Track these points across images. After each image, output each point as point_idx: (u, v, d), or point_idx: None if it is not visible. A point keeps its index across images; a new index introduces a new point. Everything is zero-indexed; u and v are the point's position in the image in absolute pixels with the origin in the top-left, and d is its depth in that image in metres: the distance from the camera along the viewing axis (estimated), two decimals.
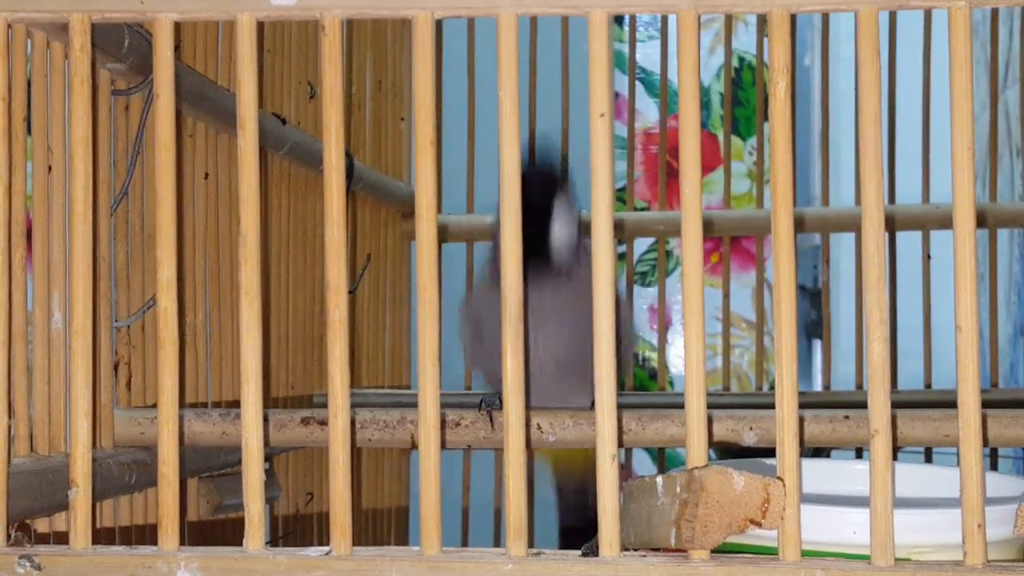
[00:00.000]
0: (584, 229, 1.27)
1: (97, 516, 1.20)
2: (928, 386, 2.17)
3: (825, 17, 2.32)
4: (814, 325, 3.37)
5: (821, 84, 2.32)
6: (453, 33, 2.23)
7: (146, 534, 1.25)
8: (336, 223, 0.87)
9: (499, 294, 0.87)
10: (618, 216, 2.07)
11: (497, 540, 2.20)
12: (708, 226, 2.20)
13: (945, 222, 2.15)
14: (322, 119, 0.89)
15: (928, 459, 2.15)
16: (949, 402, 1.97)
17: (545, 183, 1.28)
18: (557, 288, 1.29)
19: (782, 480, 0.84)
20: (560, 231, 1.28)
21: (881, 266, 0.85)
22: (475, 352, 1.36)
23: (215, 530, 1.41)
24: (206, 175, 1.41)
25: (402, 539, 2.10)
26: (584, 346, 1.23)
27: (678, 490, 0.85)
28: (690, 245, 0.86)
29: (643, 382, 3.31)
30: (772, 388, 3.19)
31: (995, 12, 2.28)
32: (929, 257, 2.19)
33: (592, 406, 1.22)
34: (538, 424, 1.20)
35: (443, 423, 1.20)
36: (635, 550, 0.89)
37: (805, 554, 0.85)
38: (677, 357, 3.20)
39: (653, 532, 0.88)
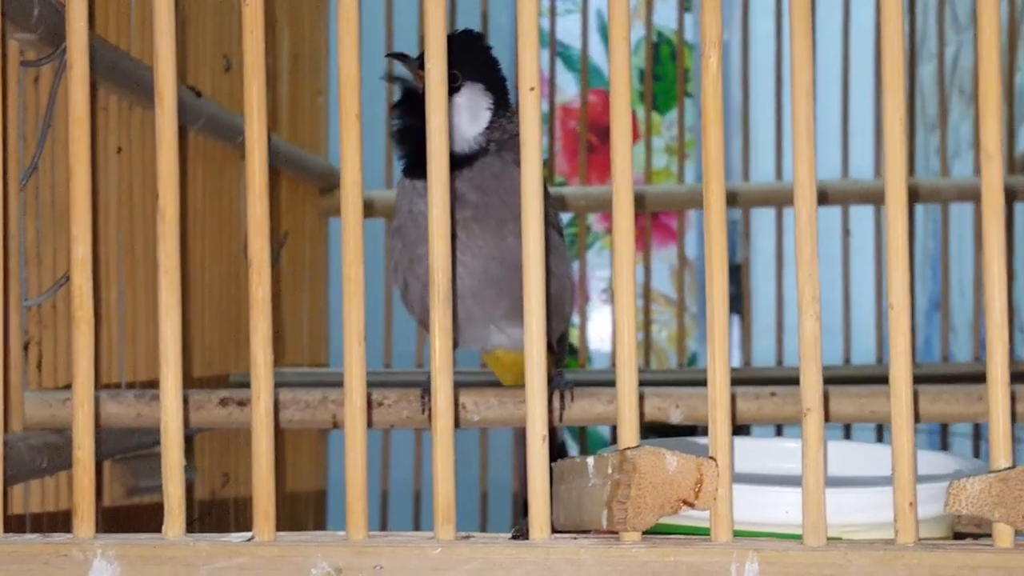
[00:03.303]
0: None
1: (8, 502, 1.16)
2: (847, 361, 2.18)
3: None
4: (733, 300, 3.38)
5: (741, 60, 2.32)
6: (370, 5, 2.20)
7: (59, 521, 1.22)
8: (259, 199, 0.85)
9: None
10: None
11: (417, 523, 2.18)
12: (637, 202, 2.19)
13: (864, 197, 2.18)
14: (238, 92, 0.86)
15: (847, 435, 2.16)
16: (868, 377, 1.97)
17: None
18: (489, 191, 1.20)
19: (715, 460, 0.83)
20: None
21: (814, 243, 0.84)
22: (405, 269, 1.25)
23: (129, 514, 1.38)
24: (119, 149, 1.37)
25: (320, 523, 2.07)
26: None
27: (610, 471, 0.83)
28: (621, 222, 0.84)
29: None
30: (691, 364, 3.20)
31: None
32: (848, 232, 2.20)
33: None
34: (463, 404, 1.18)
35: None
36: (564, 531, 0.88)
37: (737, 534, 0.84)
38: (595, 333, 3.19)
39: (584, 513, 0.86)
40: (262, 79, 0.86)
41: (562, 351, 1.32)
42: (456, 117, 1.20)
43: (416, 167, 1.20)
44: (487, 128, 1.22)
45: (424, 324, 1.26)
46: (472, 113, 1.21)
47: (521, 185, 0.84)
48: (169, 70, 0.86)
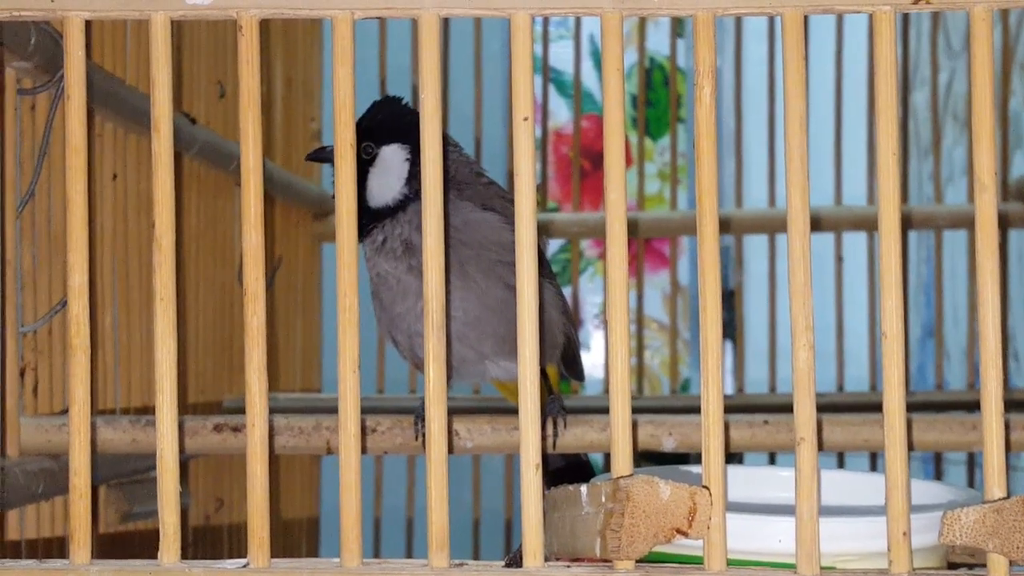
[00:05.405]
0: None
1: (4, 528, 1.16)
2: (840, 388, 2.18)
3: (737, 18, 2.33)
4: (726, 326, 3.38)
5: (734, 85, 2.32)
6: (363, 33, 2.20)
7: (54, 547, 1.22)
8: (254, 228, 0.85)
9: None
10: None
11: (410, 550, 2.18)
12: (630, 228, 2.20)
13: (857, 224, 2.18)
14: (232, 118, 0.86)
15: (841, 463, 2.15)
16: (862, 404, 1.97)
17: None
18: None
19: (708, 489, 0.83)
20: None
21: (807, 272, 0.84)
22: (389, 326, 1.27)
23: (123, 540, 1.38)
24: (114, 176, 1.37)
25: (313, 548, 2.07)
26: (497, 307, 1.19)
27: (603, 500, 0.83)
28: (615, 251, 0.84)
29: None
30: (684, 390, 3.20)
31: (906, 14, 2.29)
32: (841, 259, 2.20)
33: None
34: (456, 430, 1.18)
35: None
36: (557, 559, 0.88)
37: (731, 563, 0.84)
38: (588, 359, 3.19)
39: (577, 542, 0.86)
40: (258, 108, 0.86)
41: (575, 371, 1.33)
42: (378, 180, 1.24)
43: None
44: (409, 178, 1.24)
45: (417, 367, 1.27)
46: (394, 172, 1.24)
47: (516, 214, 0.84)
48: (166, 100, 0.86)
